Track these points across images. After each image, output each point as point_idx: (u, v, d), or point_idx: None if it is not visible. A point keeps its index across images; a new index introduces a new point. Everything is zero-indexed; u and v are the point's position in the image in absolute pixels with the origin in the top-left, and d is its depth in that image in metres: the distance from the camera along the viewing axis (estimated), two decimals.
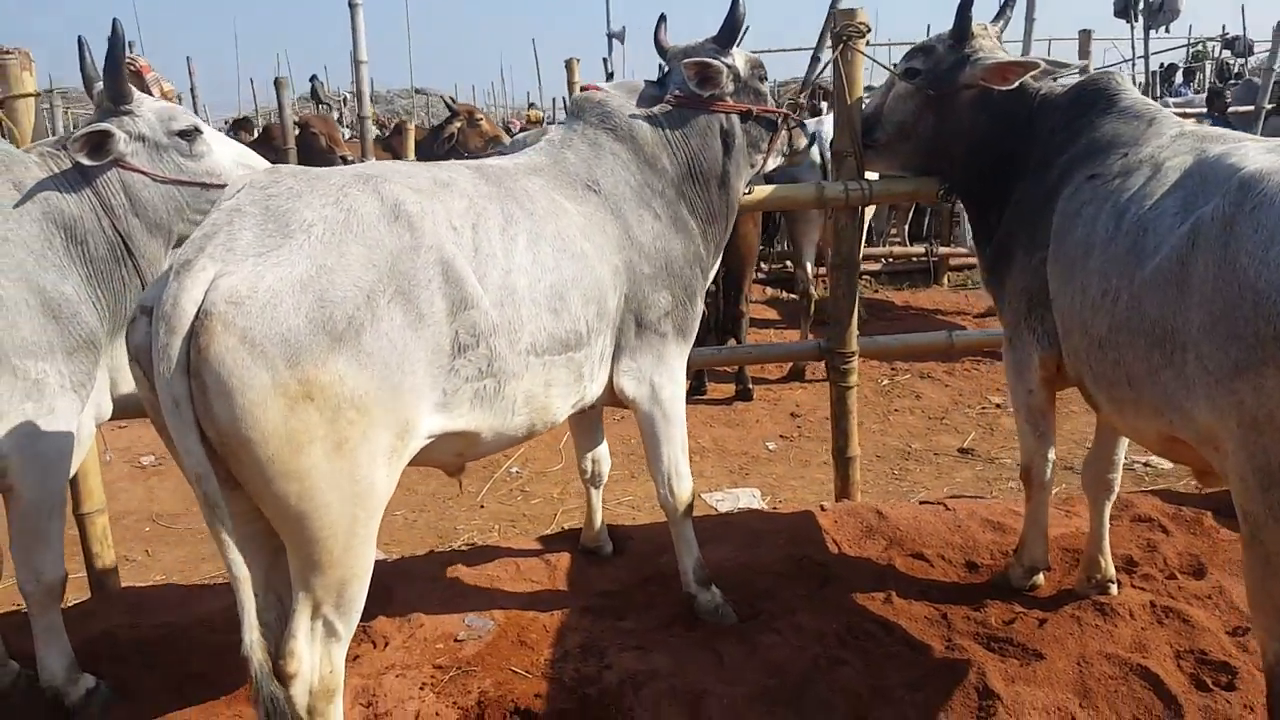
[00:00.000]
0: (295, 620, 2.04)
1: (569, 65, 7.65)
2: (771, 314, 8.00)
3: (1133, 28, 10.72)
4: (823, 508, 3.69)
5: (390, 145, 8.41)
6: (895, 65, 3.35)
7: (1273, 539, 1.90)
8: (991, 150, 3.10)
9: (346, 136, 9.34)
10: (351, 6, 6.69)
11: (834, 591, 3.19)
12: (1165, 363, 2.13)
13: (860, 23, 3.35)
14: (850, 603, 3.12)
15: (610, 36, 14.43)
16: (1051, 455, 3.05)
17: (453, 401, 2.23)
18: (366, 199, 2.11)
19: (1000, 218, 3.05)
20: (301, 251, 1.94)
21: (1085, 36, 8.22)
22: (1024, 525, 3.17)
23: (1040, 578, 3.17)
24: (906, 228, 9.99)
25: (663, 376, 2.88)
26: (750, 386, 6.03)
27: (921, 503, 3.72)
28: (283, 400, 1.85)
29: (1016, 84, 3.01)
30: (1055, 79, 3.03)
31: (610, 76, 7.44)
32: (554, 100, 24.07)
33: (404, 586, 3.34)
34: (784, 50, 16.46)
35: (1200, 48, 18.00)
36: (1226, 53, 15.67)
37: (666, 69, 3.04)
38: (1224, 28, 17.23)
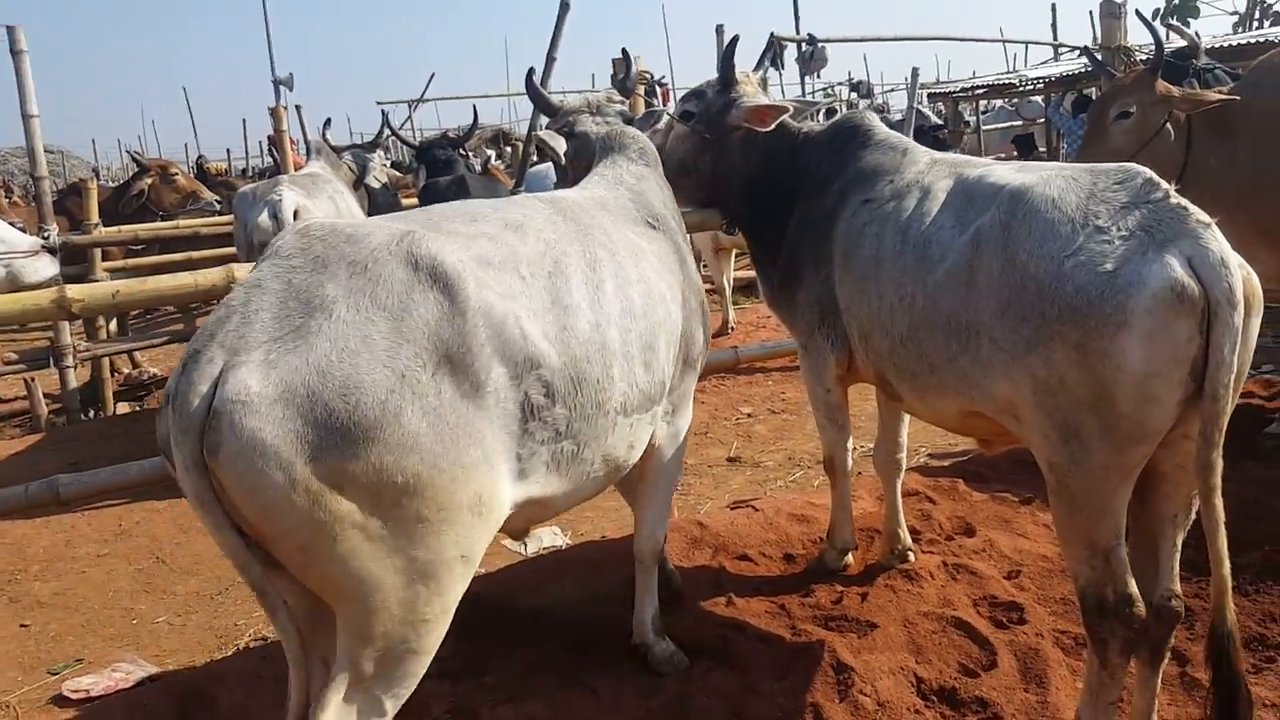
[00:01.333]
0: (328, 693, 1.85)
1: (275, 113, 7.26)
2: None
3: (780, 74, 12.20)
4: None
5: (66, 208, 7.44)
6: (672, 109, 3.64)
7: (1075, 482, 2.31)
8: (764, 183, 3.45)
9: None
10: (15, 54, 5.91)
11: (681, 604, 3.34)
12: (962, 349, 2.51)
13: (644, 71, 3.60)
14: (699, 611, 3.29)
15: (277, 84, 13.80)
16: (850, 444, 3.44)
17: (528, 468, 2.08)
18: (396, 264, 1.90)
19: (779, 243, 3.40)
20: (321, 334, 1.75)
21: (764, 83, 9.25)
22: (831, 510, 3.53)
23: (850, 557, 3.55)
24: None
25: (684, 407, 2.85)
26: None
27: (732, 507, 3.99)
28: (305, 497, 1.70)
29: (775, 125, 3.37)
30: (814, 117, 3.44)
31: (327, 127, 7.11)
32: (228, 151, 22.49)
33: (228, 690, 3.01)
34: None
35: (829, 90, 20.69)
36: (853, 95, 18.15)
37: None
38: (850, 73, 20.08)
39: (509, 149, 17.24)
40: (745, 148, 3.46)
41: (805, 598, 3.35)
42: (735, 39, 3.55)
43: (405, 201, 7.86)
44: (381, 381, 1.78)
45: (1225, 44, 9.04)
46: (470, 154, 7.01)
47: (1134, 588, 2.35)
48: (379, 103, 19.28)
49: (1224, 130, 4.23)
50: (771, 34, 8.82)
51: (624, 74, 3.25)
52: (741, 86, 3.49)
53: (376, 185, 6.90)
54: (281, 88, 13.76)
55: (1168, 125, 4.21)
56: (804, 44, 9.04)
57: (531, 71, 3.20)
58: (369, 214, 6.65)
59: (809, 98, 11.56)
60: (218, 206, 8.09)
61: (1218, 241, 2.16)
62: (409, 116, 15.83)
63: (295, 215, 5.44)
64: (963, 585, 3.34)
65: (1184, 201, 2.25)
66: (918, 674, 2.90)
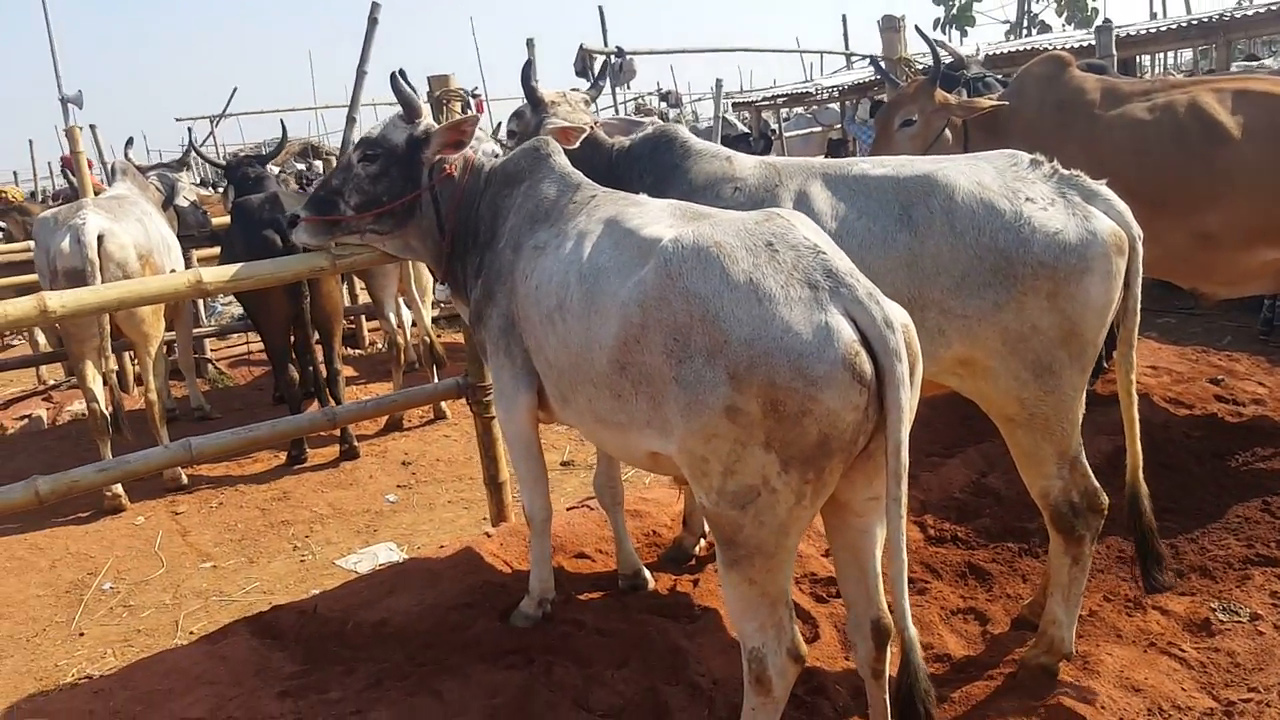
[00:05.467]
0: None
1: (70, 134, 6.81)
2: (347, 370, 7.89)
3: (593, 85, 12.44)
4: (487, 534, 3.89)
5: None
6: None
7: (1048, 409, 2.71)
8: None
9: None
10: None
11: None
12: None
13: (457, 89, 3.64)
14: None
15: (65, 102, 12.88)
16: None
17: None
18: None
19: None
20: None
21: (592, 99, 9.45)
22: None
23: (702, 544, 3.72)
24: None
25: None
26: (356, 444, 5.94)
27: (569, 509, 4.10)
28: None
29: (582, 142, 3.42)
30: (630, 135, 3.54)
31: (129, 146, 6.73)
32: (14, 175, 20.60)
33: None
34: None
35: (641, 101, 21.14)
36: (663, 105, 18.65)
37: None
38: (658, 84, 20.63)
39: (319, 162, 16.70)
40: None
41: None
42: (528, 63, 3.64)
43: (215, 220, 7.53)
44: None
45: (999, 51, 9.91)
46: (280, 170, 6.78)
47: (1095, 482, 2.82)
48: (179, 119, 18.24)
49: (996, 132, 4.70)
50: (581, 46, 9.00)
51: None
52: (555, 106, 3.59)
53: (185, 204, 6.60)
54: (70, 106, 12.80)
55: (946, 131, 4.66)
56: (613, 56, 9.25)
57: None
58: (179, 235, 6.37)
59: (620, 108, 11.81)
60: None
61: (1116, 196, 2.69)
62: (211, 133, 15.03)
63: (100, 240, 5.19)
64: None
65: (1070, 170, 2.73)
66: None
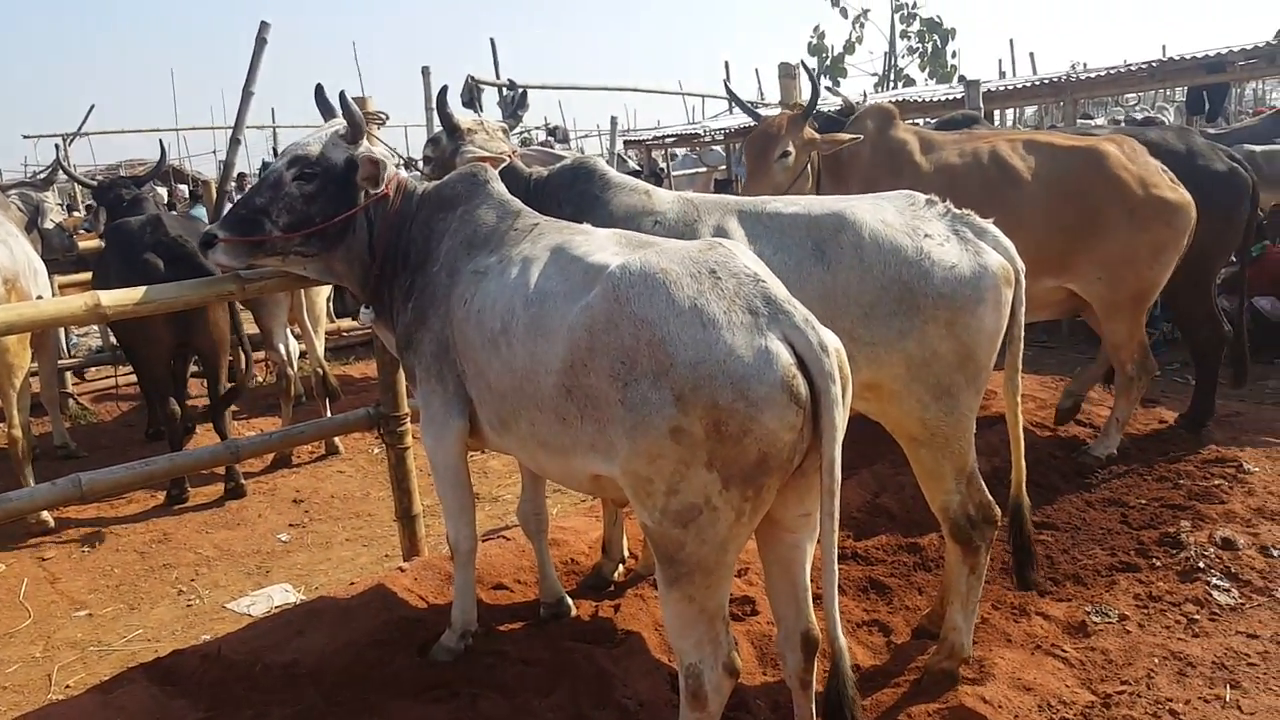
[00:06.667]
0: None
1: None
2: None
3: (480, 115, 12.46)
4: (400, 569, 3.81)
5: None
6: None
7: (949, 429, 2.90)
8: None
9: None
10: None
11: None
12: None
13: (378, 111, 3.61)
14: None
15: None
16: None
17: None
18: None
19: None
20: None
21: (510, 128, 9.44)
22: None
23: (621, 569, 3.77)
24: (330, 304, 10.13)
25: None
26: (242, 482, 5.69)
27: (484, 539, 4.06)
28: None
29: (502, 169, 3.45)
30: (545, 166, 3.59)
31: None
32: None
33: None
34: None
35: (528, 135, 21.21)
36: (550, 139, 18.78)
37: None
38: (545, 119, 20.73)
39: (182, 186, 15.99)
40: None
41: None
42: (444, 89, 3.64)
43: (82, 244, 7.12)
44: None
45: (877, 102, 10.57)
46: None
47: (989, 495, 3.00)
48: (26, 136, 17.10)
49: (841, 173, 5.06)
50: (469, 76, 8.99)
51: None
52: (472, 134, 3.61)
53: (51, 227, 6.21)
54: None
55: (808, 167, 4.94)
56: (504, 89, 9.31)
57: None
58: (44, 259, 5.98)
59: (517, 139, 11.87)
60: None
61: (1002, 233, 2.93)
62: (64, 152, 14.19)
63: None
64: None
65: (961, 210, 2.95)
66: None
